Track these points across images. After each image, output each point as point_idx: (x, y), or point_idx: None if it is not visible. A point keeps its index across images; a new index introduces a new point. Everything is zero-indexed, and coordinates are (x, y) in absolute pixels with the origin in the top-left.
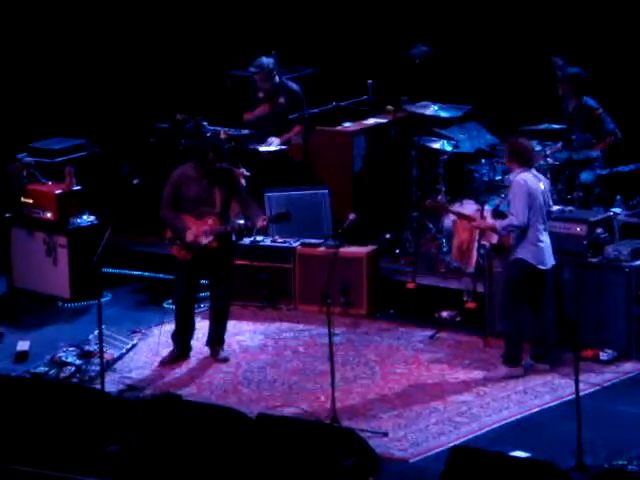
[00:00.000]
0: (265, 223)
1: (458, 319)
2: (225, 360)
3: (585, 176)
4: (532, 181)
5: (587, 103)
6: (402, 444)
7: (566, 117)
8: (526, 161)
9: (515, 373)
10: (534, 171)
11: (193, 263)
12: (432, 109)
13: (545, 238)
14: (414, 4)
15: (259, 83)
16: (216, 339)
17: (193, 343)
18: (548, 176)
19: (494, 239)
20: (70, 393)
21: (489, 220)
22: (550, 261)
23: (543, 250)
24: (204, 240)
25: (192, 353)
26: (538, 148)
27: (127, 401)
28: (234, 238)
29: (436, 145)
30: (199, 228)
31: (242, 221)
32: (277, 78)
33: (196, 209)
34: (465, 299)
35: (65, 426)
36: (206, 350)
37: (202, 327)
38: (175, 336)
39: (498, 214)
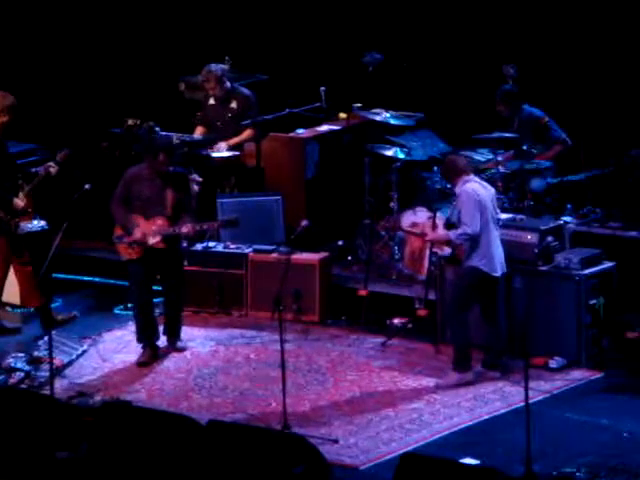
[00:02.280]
0: (187, 230)
1: (409, 326)
2: (182, 349)
3: (536, 183)
4: (479, 189)
5: (533, 114)
6: (353, 451)
7: (514, 130)
8: (460, 171)
9: (466, 378)
10: (478, 179)
11: (142, 262)
12: (384, 116)
13: (497, 245)
14: (367, 12)
15: (210, 91)
16: (173, 331)
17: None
18: (499, 184)
19: (447, 249)
20: (19, 399)
21: (442, 232)
22: (502, 268)
23: (495, 257)
24: (151, 240)
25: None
26: (490, 156)
27: (76, 407)
28: (185, 244)
29: (389, 152)
30: (147, 227)
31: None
32: (228, 84)
33: (146, 209)
34: (416, 306)
35: (13, 432)
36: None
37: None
38: (141, 338)
39: (449, 225)
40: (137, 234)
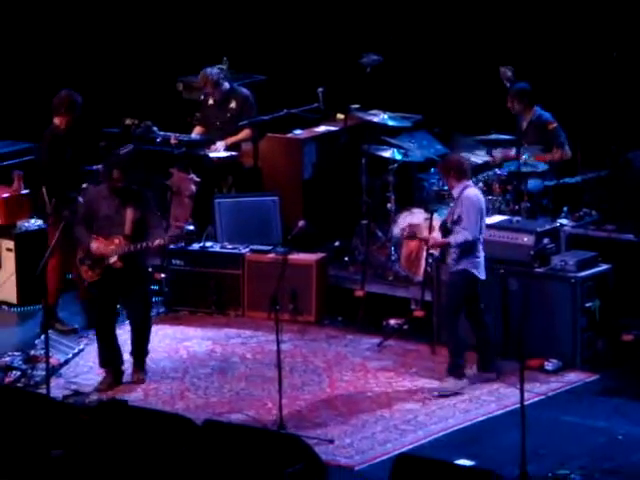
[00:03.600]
0: (161, 243)
1: (405, 327)
2: (138, 381)
3: (533, 184)
4: (480, 195)
5: (542, 117)
6: (348, 451)
7: (520, 131)
8: (463, 174)
9: (461, 385)
10: (473, 184)
11: (102, 285)
12: (381, 117)
13: (482, 250)
14: (365, 13)
15: (208, 93)
16: (136, 362)
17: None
18: (496, 186)
19: (438, 252)
20: (14, 398)
21: (441, 237)
22: (484, 273)
23: (482, 262)
24: (109, 260)
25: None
26: (486, 158)
27: (72, 406)
28: (183, 244)
29: (386, 153)
30: (106, 247)
31: (191, 227)
32: (226, 84)
33: (106, 229)
34: (413, 307)
35: (8, 430)
36: (154, 355)
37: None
38: (102, 363)
39: (444, 229)
40: (93, 247)
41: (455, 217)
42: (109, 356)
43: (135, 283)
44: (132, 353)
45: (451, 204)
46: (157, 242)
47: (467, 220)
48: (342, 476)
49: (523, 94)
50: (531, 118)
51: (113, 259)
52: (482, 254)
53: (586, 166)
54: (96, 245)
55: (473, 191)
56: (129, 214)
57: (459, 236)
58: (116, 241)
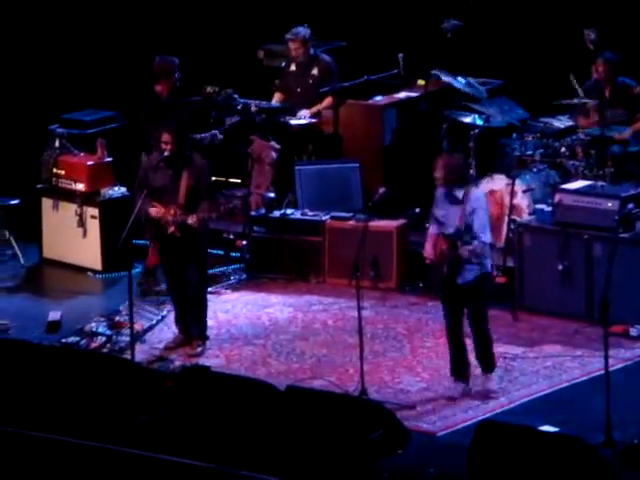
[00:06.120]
0: (192, 221)
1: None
2: (194, 355)
3: (617, 148)
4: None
5: (625, 82)
6: (430, 417)
7: (602, 96)
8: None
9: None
10: None
11: (164, 253)
12: (458, 82)
13: None
14: None
15: (293, 53)
16: (191, 331)
17: (221, 315)
18: (579, 150)
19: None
20: (100, 363)
21: (464, 251)
22: None
23: None
24: (169, 229)
25: (221, 326)
26: (569, 123)
27: (157, 372)
28: (263, 210)
29: (467, 119)
30: (164, 216)
31: (272, 194)
32: (311, 50)
33: (162, 198)
34: (495, 274)
35: (95, 395)
36: (235, 322)
37: (230, 300)
38: (175, 322)
39: (451, 240)
40: (153, 213)
41: (470, 219)
42: (179, 314)
43: (190, 253)
44: (188, 328)
45: (534, 169)
46: (189, 221)
47: (483, 221)
48: (424, 442)
49: (615, 63)
50: (613, 86)
51: (171, 229)
52: None
53: None
54: (155, 210)
55: (477, 189)
56: (183, 183)
57: (477, 245)
58: (171, 211)
